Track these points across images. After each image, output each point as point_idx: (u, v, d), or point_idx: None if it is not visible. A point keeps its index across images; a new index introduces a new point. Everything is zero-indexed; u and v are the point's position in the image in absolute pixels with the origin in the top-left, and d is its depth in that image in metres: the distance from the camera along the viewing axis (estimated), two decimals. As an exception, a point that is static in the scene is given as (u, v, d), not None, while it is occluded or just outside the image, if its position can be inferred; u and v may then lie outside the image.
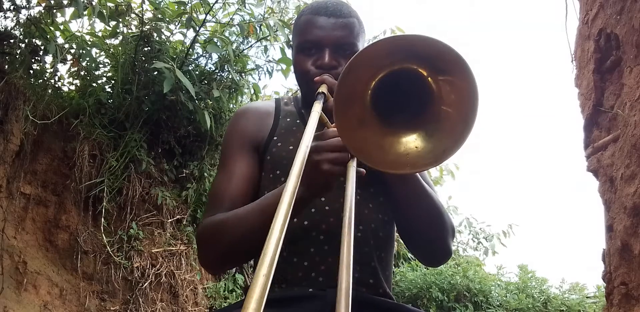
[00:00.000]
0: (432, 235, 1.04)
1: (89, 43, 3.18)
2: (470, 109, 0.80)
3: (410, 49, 0.79)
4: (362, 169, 0.88)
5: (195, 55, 3.52)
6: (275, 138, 1.13)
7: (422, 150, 0.83)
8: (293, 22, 1.21)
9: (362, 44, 1.13)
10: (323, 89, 0.97)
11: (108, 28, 3.20)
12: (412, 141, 0.84)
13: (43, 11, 2.86)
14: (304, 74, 1.10)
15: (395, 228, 1.15)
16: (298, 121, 1.16)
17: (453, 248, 1.12)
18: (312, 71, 1.07)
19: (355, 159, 0.85)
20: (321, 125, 0.91)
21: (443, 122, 0.82)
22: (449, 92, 0.81)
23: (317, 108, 0.89)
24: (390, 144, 0.84)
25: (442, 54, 0.78)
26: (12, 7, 2.80)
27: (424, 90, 0.83)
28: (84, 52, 3.00)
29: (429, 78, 0.82)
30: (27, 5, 2.84)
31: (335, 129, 0.84)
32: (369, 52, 0.79)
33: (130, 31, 3.25)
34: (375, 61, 0.81)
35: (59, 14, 2.95)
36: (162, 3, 3.30)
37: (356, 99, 0.83)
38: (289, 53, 3.45)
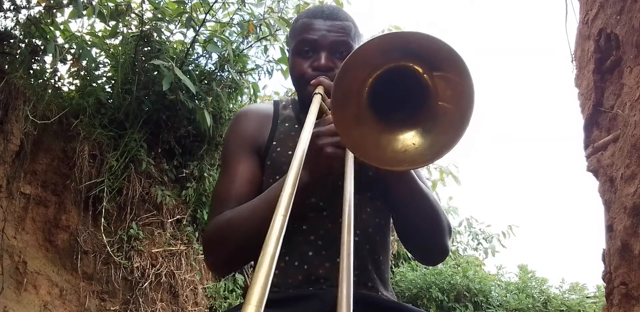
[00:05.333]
0: (429, 233, 1.04)
1: (89, 43, 3.18)
2: (466, 104, 0.79)
3: (405, 46, 0.79)
4: None
5: (195, 55, 3.52)
6: (274, 143, 1.13)
7: (420, 147, 0.83)
8: (293, 21, 1.21)
9: None
10: (320, 90, 0.97)
11: (108, 28, 3.20)
12: (409, 138, 0.84)
13: (43, 11, 2.86)
14: (300, 76, 1.10)
15: (391, 231, 1.15)
16: (296, 126, 1.15)
17: (453, 248, 1.12)
18: (309, 73, 1.08)
19: None
20: (320, 112, 0.95)
21: (440, 117, 0.82)
22: (445, 88, 0.81)
23: (317, 98, 0.93)
24: (388, 141, 0.84)
25: (437, 50, 0.78)
26: (12, 7, 2.80)
27: (420, 87, 0.83)
28: (83, 51, 3.00)
29: (425, 75, 0.82)
30: (27, 5, 2.84)
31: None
32: (364, 51, 0.79)
33: (130, 31, 3.24)
34: (371, 59, 0.80)
35: (58, 14, 2.95)
36: (162, 3, 3.29)
37: (353, 97, 0.83)
38: (289, 53, 3.44)
